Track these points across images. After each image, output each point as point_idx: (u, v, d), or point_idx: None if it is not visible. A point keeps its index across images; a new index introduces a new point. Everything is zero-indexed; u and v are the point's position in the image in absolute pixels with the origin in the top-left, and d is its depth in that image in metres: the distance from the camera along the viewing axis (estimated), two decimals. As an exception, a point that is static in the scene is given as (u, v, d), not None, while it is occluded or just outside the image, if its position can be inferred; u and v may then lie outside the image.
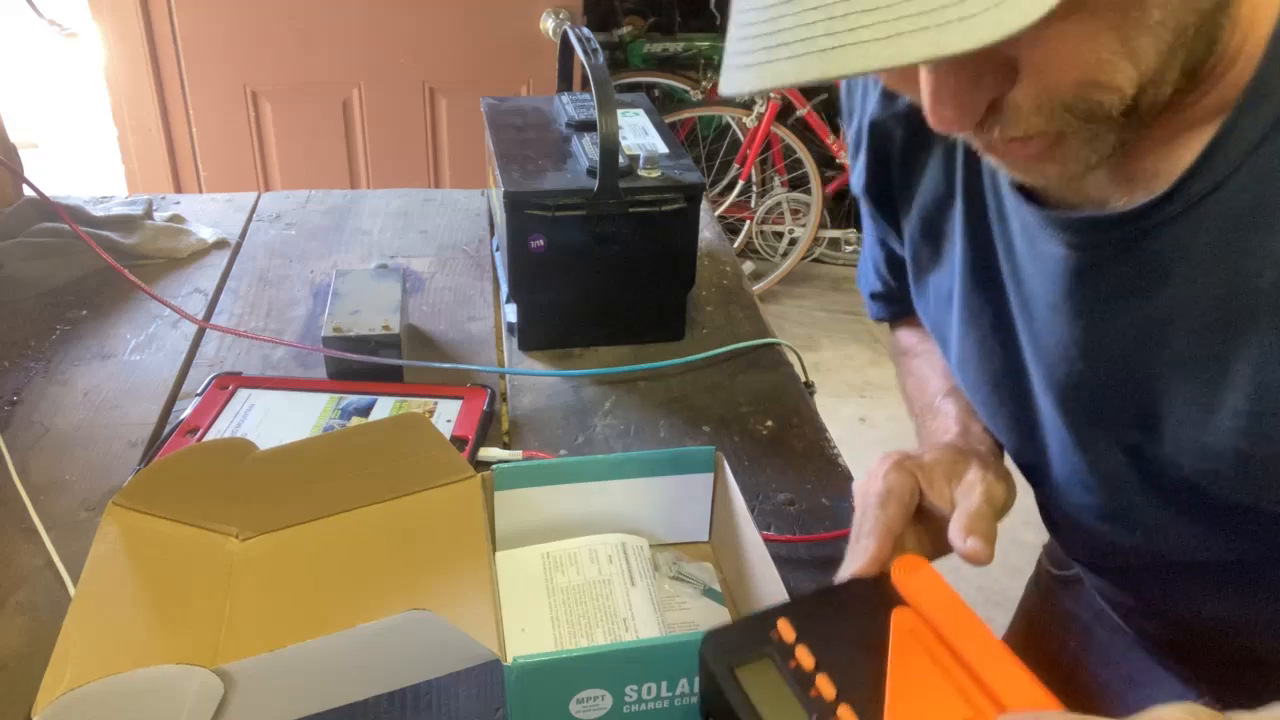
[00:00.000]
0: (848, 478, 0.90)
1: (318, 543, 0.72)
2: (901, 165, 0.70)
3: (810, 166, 3.09)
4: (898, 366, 0.88)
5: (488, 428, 0.93)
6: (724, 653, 0.53)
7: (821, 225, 3.26)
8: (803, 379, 1.05)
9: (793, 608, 0.55)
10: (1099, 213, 0.54)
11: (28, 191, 1.21)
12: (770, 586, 0.66)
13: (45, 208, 1.16)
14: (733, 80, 0.45)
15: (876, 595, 0.55)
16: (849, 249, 3.37)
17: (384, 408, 0.95)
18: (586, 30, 1.07)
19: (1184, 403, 0.54)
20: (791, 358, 1.08)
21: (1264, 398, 0.50)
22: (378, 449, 0.73)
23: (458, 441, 0.90)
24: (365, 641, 0.56)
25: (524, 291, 1.05)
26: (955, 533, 0.60)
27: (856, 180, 0.75)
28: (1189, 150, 0.50)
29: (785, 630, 0.53)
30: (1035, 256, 0.59)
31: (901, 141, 0.69)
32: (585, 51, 1.01)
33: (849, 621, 0.54)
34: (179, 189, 2.29)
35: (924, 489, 0.63)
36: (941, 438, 0.72)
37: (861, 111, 0.71)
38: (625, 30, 3.21)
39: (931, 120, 0.46)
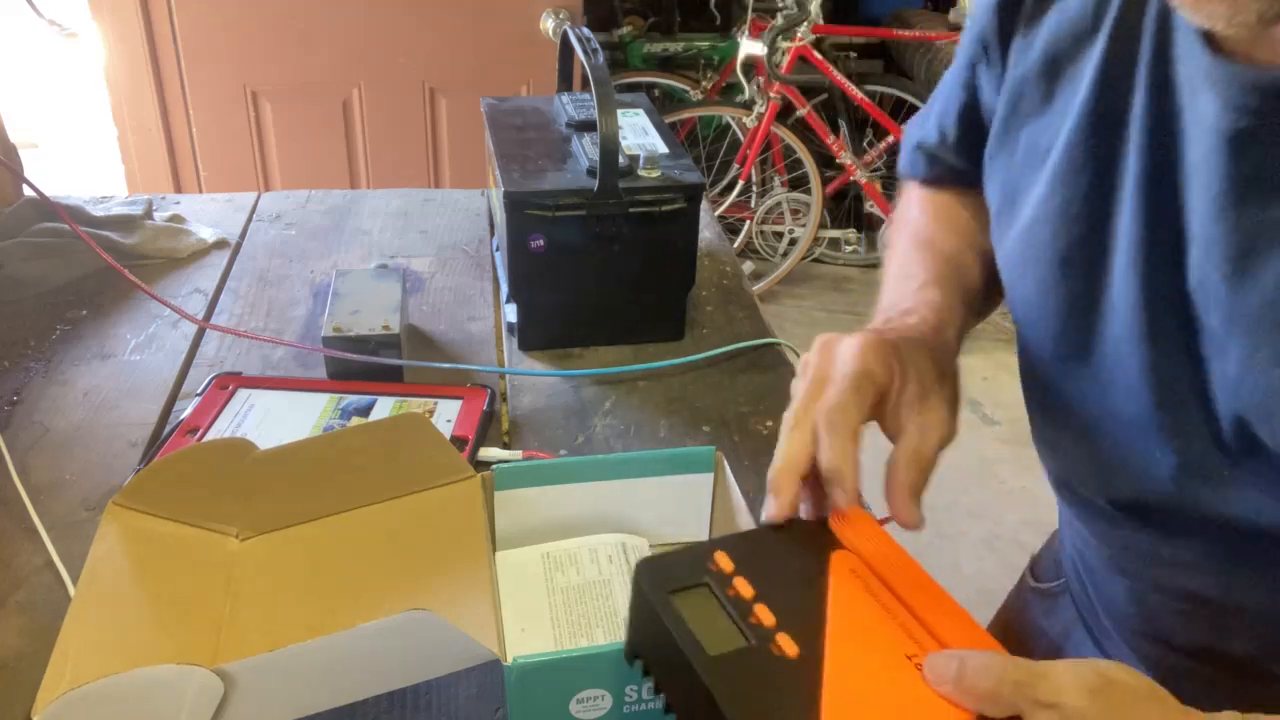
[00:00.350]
0: (848, 478, 0.90)
1: (318, 542, 0.72)
2: None
3: (810, 166, 3.09)
4: (893, 232, 0.80)
5: (488, 428, 0.93)
6: (660, 580, 0.51)
7: (821, 225, 3.26)
8: (803, 379, 1.05)
9: (730, 541, 0.54)
10: (1274, 72, 0.47)
11: (28, 191, 1.21)
12: None
13: (45, 208, 1.16)
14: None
15: (816, 536, 0.55)
16: (849, 249, 3.37)
17: (384, 408, 0.95)
18: (586, 30, 1.07)
19: (1271, 329, 0.49)
20: (791, 358, 1.08)
21: None
22: (377, 449, 0.73)
23: (458, 441, 0.90)
24: (365, 641, 0.56)
25: (524, 291, 1.05)
26: (900, 496, 0.57)
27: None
28: None
29: (723, 561, 0.52)
30: (1194, 114, 0.52)
31: None
32: (585, 51, 1.01)
33: (788, 557, 0.53)
34: (179, 189, 2.29)
35: (892, 390, 0.58)
36: (908, 320, 0.65)
37: None
38: (625, 30, 3.21)
39: None
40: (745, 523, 0.73)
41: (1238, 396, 0.52)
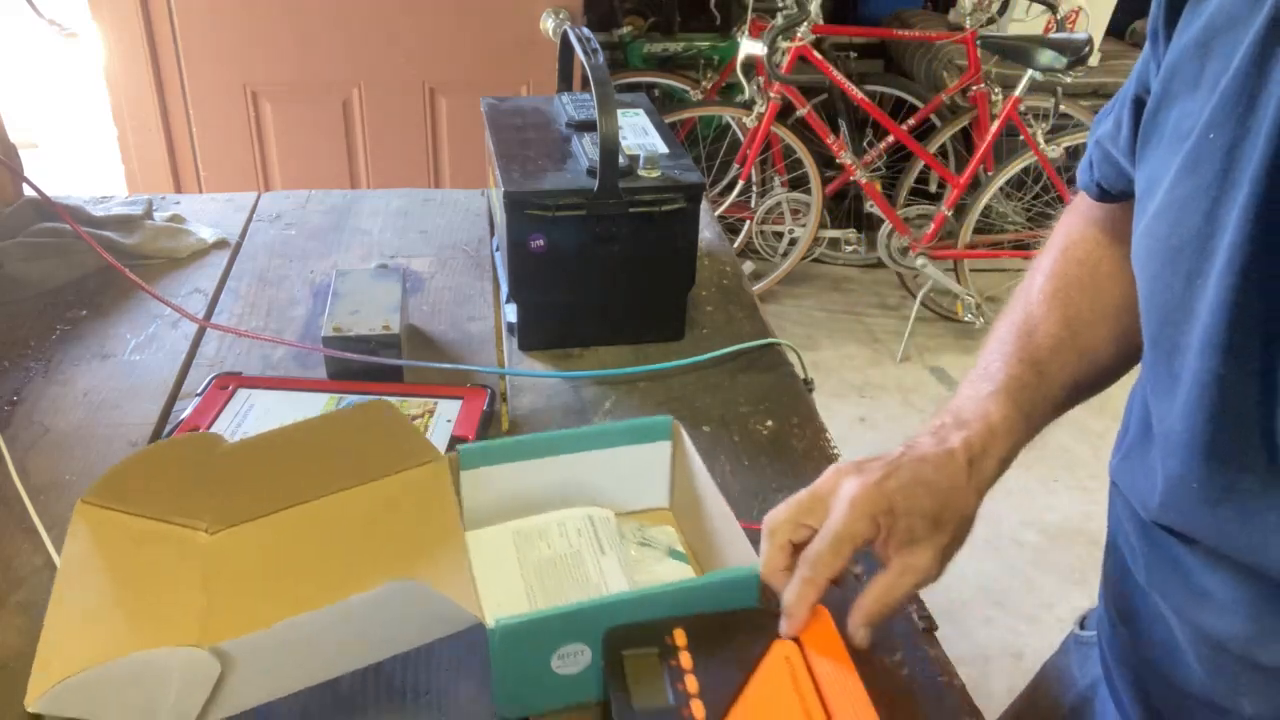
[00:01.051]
0: (848, 478, 0.90)
1: (290, 531, 0.72)
2: None
3: (810, 166, 3.09)
4: (1032, 274, 0.76)
5: (488, 427, 0.93)
6: (621, 642, 0.62)
7: (821, 225, 3.26)
8: (802, 376, 1.05)
9: (692, 621, 0.64)
10: None
11: (28, 191, 1.21)
12: (736, 545, 0.69)
13: (45, 208, 1.16)
14: None
15: (767, 625, 0.64)
16: (849, 249, 3.37)
17: (384, 408, 0.95)
18: (586, 30, 1.07)
19: None
20: (791, 357, 1.08)
21: None
22: (345, 437, 0.74)
23: (458, 441, 0.90)
24: (351, 613, 0.57)
25: (524, 291, 1.05)
26: (855, 617, 0.63)
27: None
28: None
29: (679, 637, 0.62)
30: None
31: None
32: (585, 51, 1.01)
33: (733, 641, 0.63)
34: (179, 189, 2.29)
35: (878, 540, 0.63)
36: (952, 441, 0.66)
37: None
38: (625, 30, 3.21)
39: None
40: (705, 486, 0.75)
41: None
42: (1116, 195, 0.73)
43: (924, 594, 0.79)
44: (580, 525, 0.76)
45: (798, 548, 0.65)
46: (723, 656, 0.62)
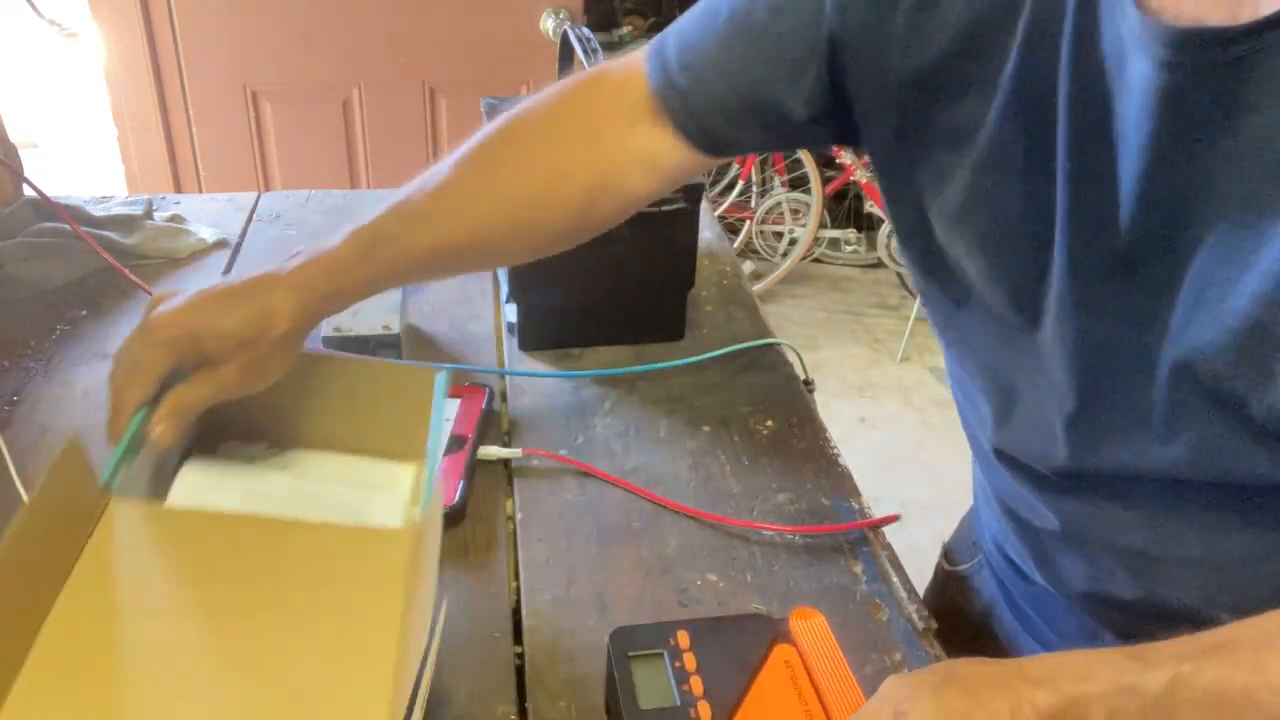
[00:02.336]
0: (848, 477, 0.90)
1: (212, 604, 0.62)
2: None
3: (810, 166, 3.09)
4: (486, 134, 0.76)
5: (487, 427, 0.93)
6: (626, 644, 0.64)
7: (821, 225, 3.26)
8: (802, 377, 1.05)
9: (695, 624, 0.66)
10: (1214, 25, 0.50)
11: (28, 191, 1.21)
12: None
13: (45, 208, 1.16)
14: None
15: (767, 630, 0.66)
16: (849, 249, 3.37)
17: (384, 407, 0.95)
18: (586, 30, 1.07)
19: (1218, 259, 0.52)
20: (791, 358, 1.08)
21: None
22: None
23: (458, 440, 0.90)
24: None
25: (524, 291, 1.05)
26: (163, 408, 0.66)
27: None
28: None
29: (683, 638, 0.64)
30: (1120, 75, 0.54)
31: None
32: (585, 51, 1.01)
33: (736, 644, 0.65)
34: (179, 189, 2.29)
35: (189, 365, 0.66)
36: (286, 266, 0.68)
37: None
38: (625, 30, 3.21)
39: None
40: None
41: (1179, 345, 0.55)
42: (709, 147, 0.72)
43: (924, 594, 0.79)
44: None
45: None
46: (726, 659, 0.63)
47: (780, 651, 0.64)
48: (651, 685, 0.62)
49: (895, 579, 0.80)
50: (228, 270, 1.22)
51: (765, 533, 0.83)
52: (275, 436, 0.76)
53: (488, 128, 0.75)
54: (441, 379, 0.70)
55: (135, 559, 0.61)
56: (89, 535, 0.61)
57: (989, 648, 0.85)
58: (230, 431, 0.75)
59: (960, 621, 0.88)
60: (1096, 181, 0.56)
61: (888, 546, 0.84)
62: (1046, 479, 0.68)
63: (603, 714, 0.67)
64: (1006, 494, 0.75)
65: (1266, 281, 0.50)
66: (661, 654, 0.63)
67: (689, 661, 0.63)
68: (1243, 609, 0.52)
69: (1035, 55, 0.57)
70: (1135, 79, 0.53)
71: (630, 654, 0.63)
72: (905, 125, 0.65)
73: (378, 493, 0.73)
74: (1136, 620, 0.70)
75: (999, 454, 0.72)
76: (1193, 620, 0.53)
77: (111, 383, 0.67)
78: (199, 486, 0.71)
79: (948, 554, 0.96)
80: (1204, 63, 0.50)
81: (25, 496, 0.83)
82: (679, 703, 0.60)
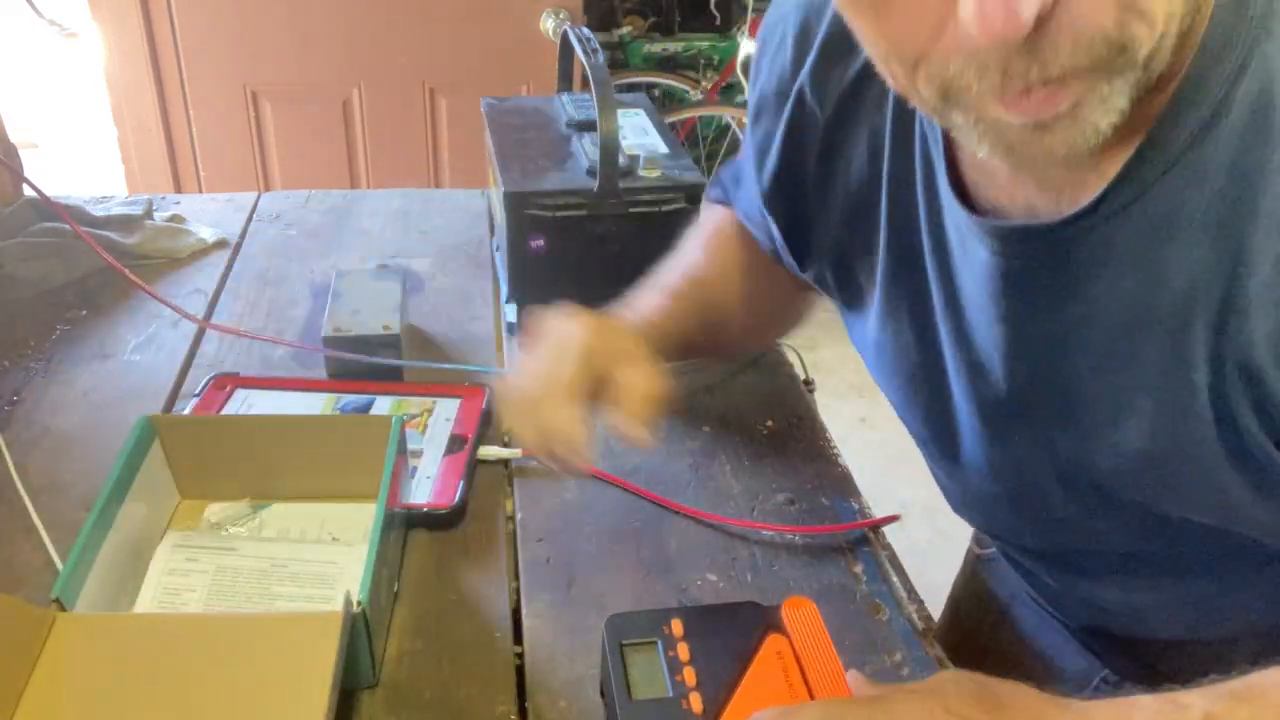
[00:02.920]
0: (848, 478, 0.90)
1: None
2: (825, 143, 0.69)
3: (810, 166, 3.09)
4: (694, 236, 0.89)
5: (487, 426, 0.93)
6: (621, 632, 0.64)
7: (821, 225, 3.26)
8: (802, 376, 1.05)
9: (689, 612, 0.66)
10: (1026, 221, 0.56)
11: (28, 191, 1.21)
12: None
13: (45, 208, 1.16)
14: None
15: (760, 619, 0.66)
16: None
17: (383, 407, 0.95)
18: (586, 30, 1.07)
19: (1098, 403, 0.56)
20: (792, 358, 1.08)
21: (1165, 401, 0.52)
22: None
23: (457, 440, 0.90)
24: None
25: (524, 291, 1.05)
26: (622, 422, 0.66)
27: (754, 152, 0.75)
28: (1114, 161, 0.51)
29: (676, 627, 0.64)
30: (965, 256, 0.60)
31: (832, 115, 0.68)
32: (585, 51, 1.01)
33: (729, 633, 0.65)
34: (179, 189, 2.29)
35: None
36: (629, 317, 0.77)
37: (781, 76, 0.71)
38: (625, 30, 3.21)
39: (978, 25, 0.42)
40: None
41: (1081, 468, 0.59)
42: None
43: (924, 594, 0.79)
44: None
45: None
46: (719, 649, 0.63)
47: (773, 642, 0.64)
48: (645, 675, 0.62)
49: (895, 579, 0.80)
50: (228, 270, 1.22)
51: (765, 533, 0.83)
52: (256, 492, 0.82)
53: (696, 257, 0.87)
54: (396, 422, 0.77)
55: (85, 671, 0.63)
56: (37, 656, 0.62)
57: (1007, 638, 0.87)
58: (216, 493, 0.82)
59: (985, 608, 0.91)
60: (970, 341, 0.62)
61: (888, 546, 0.84)
62: (1018, 549, 0.76)
63: (603, 711, 0.67)
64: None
65: (1143, 420, 0.54)
66: (655, 643, 0.64)
67: (683, 651, 0.63)
68: (1231, 633, 0.58)
69: (900, 223, 0.64)
70: (978, 260, 0.59)
71: (624, 643, 0.63)
72: (835, 277, 0.74)
73: (345, 549, 0.79)
74: (1135, 646, 0.74)
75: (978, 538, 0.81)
76: (1187, 643, 0.55)
77: (544, 439, 0.67)
78: (176, 566, 0.77)
79: (978, 537, 0.97)
80: (1033, 250, 0.55)
81: (25, 496, 0.83)
82: (672, 694, 0.61)
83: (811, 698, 0.61)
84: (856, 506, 0.87)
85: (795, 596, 0.67)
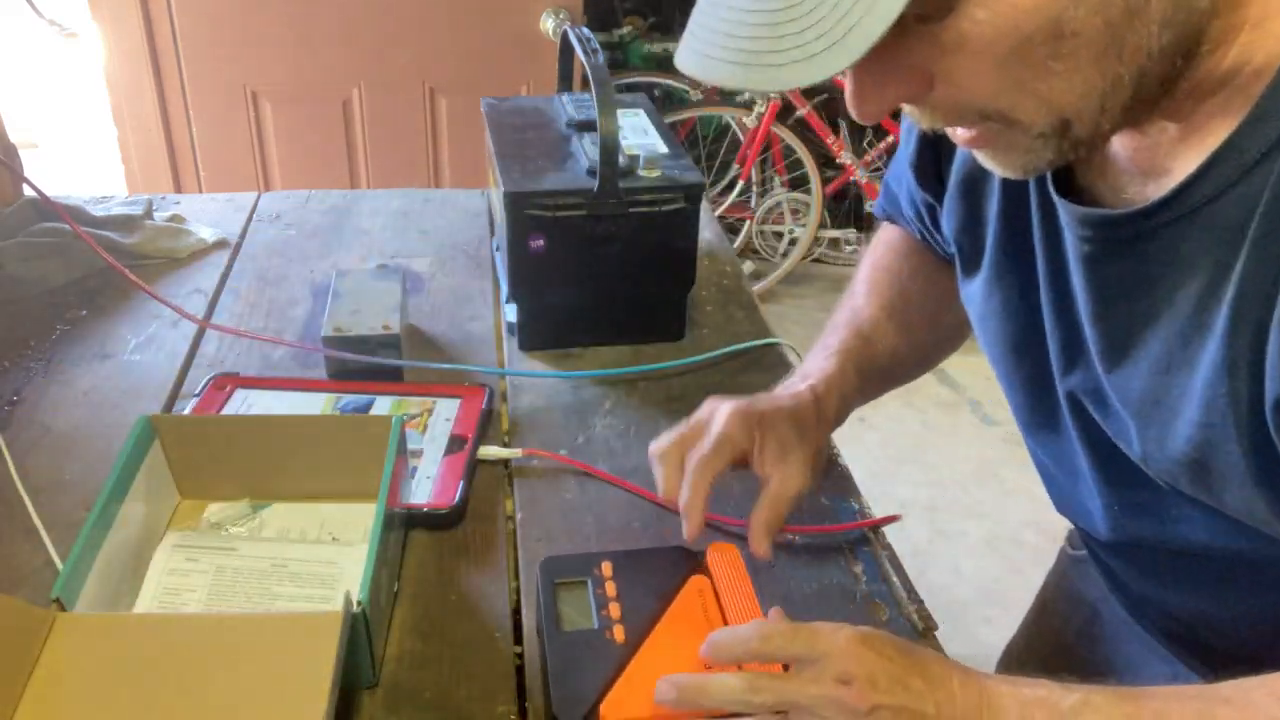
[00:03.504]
0: (848, 478, 0.90)
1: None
2: None
3: (810, 166, 3.09)
4: (853, 282, 0.92)
5: (487, 426, 0.93)
6: (554, 572, 0.69)
7: (821, 225, 3.26)
8: (803, 379, 1.05)
9: (618, 554, 0.71)
10: (1106, 210, 0.57)
11: (28, 191, 1.21)
12: None
13: (45, 208, 1.16)
14: (679, 57, 0.52)
15: (684, 562, 0.70)
16: (849, 249, 3.37)
17: (383, 407, 0.95)
18: (586, 30, 1.07)
19: (1153, 406, 0.57)
20: (792, 358, 1.08)
21: (1210, 409, 0.53)
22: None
23: (457, 440, 0.90)
24: None
25: (524, 291, 1.05)
26: (757, 531, 0.71)
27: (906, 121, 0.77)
28: (1198, 154, 0.51)
29: (606, 568, 0.69)
30: (1065, 240, 0.62)
31: None
32: (585, 51, 1.01)
33: (655, 573, 0.69)
34: (179, 189, 2.29)
35: (754, 450, 0.73)
36: (799, 386, 0.80)
37: None
38: (625, 30, 3.21)
39: (853, 113, 0.51)
40: None
41: (1148, 461, 0.60)
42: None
43: (924, 594, 0.79)
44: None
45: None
46: (644, 587, 0.68)
47: (695, 581, 0.69)
48: (574, 610, 0.67)
49: (895, 579, 0.80)
50: (228, 270, 1.22)
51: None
52: (256, 492, 0.82)
53: (865, 280, 0.90)
54: (396, 422, 0.78)
55: (85, 671, 0.63)
56: (37, 656, 0.62)
57: (1092, 641, 0.87)
58: (215, 493, 0.82)
59: (1073, 609, 0.90)
60: (1068, 317, 0.63)
61: (888, 546, 0.83)
62: (1100, 543, 0.75)
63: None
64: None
65: (1191, 428, 0.55)
66: (585, 582, 0.68)
67: (610, 589, 0.68)
68: None
69: (1012, 201, 0.66)
70: (1068, 240, 0.61)
71: (557, 581, 0.68)
72: (958, 254, 0.75)
73: (345, 549, 0.79)
74: (1213, 656, 0.73)
75: (1071, 538, 0.81)
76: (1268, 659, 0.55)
77: (678, 459, 0.73)
78: (176, 566, 0.77)
79: (1071, 537, 0.97)
80: (1109, 238, 0.57)
81: (25, 496, 0.83)
82: (597, 626, 0.65)
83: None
84: (856, 506, 0.87)
85: (720, 542, 0.72)
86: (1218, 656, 0.72)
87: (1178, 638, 0.76)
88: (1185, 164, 0.52)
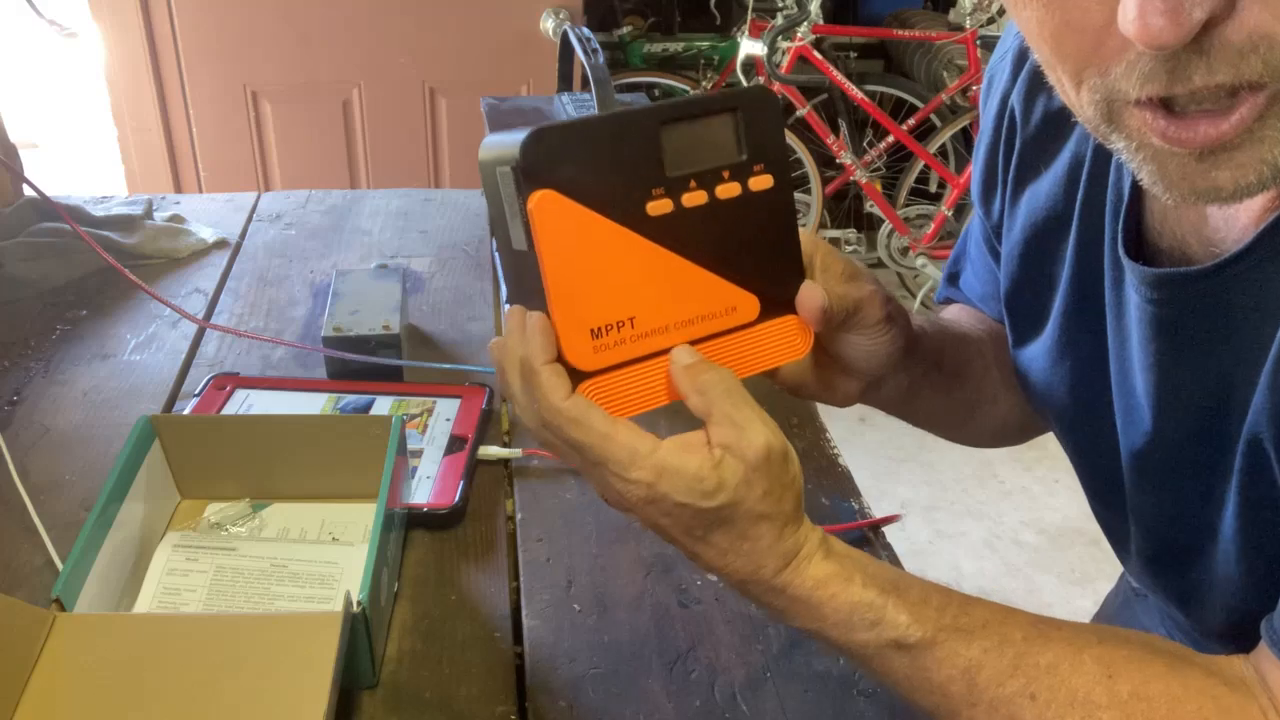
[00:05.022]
0: (848, 478, 0.90)
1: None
2: (1022, 159, 0.67)
3: (810, 166, 3.09)
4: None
5: (487, 426, 0.93)
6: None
7: (821, 225, 3.26)
8: (803, 379, 1.05)
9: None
10: (1177, 269, 0.54)
11: (28, 191, 1.21)
12: None
13: (45, 208, 1.16)
14: None
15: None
16: (849, 249, 3.37)
17: (383, 407, 0.95)
18: (586, 30, 1.07)
19: (1245, 459, 0.53)
20: (791, 358, 1.08)
21: None
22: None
23: (457, 440, 0.90)
24: None
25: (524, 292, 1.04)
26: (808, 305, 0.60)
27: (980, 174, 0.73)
28: (1265, 196, 0.49)
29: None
30: (1130, 301, 0.59)
31: (1033, 132, 0.66)
32: (585, 51, 1.01)
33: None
34: (179, 189, 2.29)
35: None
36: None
37: (1001, 97, 0.69)
38: (625, 30, 3.21)
39: (1136, 29, 0.38)
40: None
41: (1238, 525, 0.55)
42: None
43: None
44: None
45: None
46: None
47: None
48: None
49: (895, 579, 0.79)
50: (228, 270, 1.22)
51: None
52: (256, 492, 0.82)
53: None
54: (396, 422, 0.77)
55: (85, 671, 0.63)
56: (37, 656, 0.62)
57: None
58: (215, 493, 0.82)
59: None
60: (1128, 385, 0.60)
61: (888, 546, 0.83)
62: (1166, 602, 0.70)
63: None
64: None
65: None
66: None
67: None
68: None
69: (1087, 258, 0.62)
70: (1132, 305, 0.58)
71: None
72: (1010, 307, 0.71)
73: (345, 549, 0.79)
74: None
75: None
76: None
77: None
78: (176, 566, 0.77)
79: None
80: (1182, 297, 0.53)
81: (25, 496, 0.83)
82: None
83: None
84: (856, 506, 0.87)
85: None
86: None
87: None
88: (1256, 203, 0.49)
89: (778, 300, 0.58)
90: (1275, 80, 0.39)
